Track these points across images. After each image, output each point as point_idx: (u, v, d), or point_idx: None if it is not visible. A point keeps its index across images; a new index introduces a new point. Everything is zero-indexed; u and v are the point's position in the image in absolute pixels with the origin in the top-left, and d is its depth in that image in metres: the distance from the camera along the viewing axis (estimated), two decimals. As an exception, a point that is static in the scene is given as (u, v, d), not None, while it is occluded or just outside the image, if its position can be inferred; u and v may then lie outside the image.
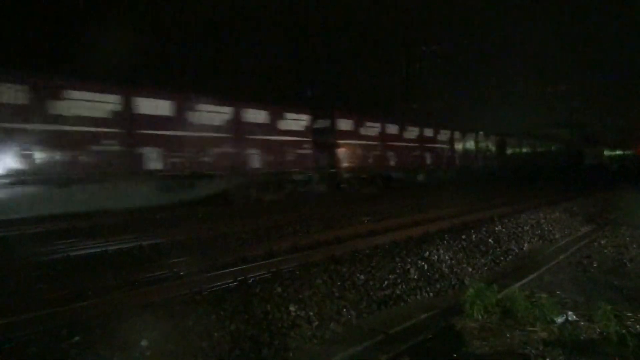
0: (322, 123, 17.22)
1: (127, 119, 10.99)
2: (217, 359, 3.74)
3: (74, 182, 9.95)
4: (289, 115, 15.63)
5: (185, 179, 12.08)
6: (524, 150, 34.37)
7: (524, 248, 8.44)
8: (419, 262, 6.52)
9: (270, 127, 14.82)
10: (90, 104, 10.34)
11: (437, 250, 7.08)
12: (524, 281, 6.05)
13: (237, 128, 13.66)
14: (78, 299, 4.72)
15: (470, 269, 6.80)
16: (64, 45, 22.64)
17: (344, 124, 17.92)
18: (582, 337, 3.98)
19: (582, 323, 4.25)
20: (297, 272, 5.90)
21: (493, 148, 29.53)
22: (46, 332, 3.93)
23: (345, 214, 11.34)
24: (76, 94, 10.12)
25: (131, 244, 7.75)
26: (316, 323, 4.46)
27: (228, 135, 13.35)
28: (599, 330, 4.06)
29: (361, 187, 18.36)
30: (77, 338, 3.79)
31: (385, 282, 5.67)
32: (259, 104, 14.72)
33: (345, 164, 17.58)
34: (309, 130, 16.27)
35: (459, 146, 25.87)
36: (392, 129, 20.71)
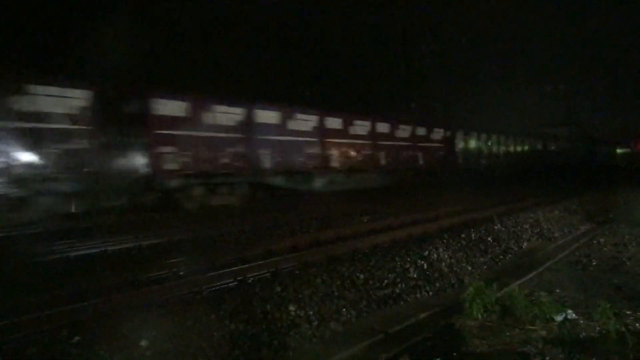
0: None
1: (248, 126, 13.50)
2: (217, 359, 3.75)
3: (217, 176, 12.48)
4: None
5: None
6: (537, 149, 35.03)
7: (524, 247, 8.45)
8: (419, 261, 6.53)
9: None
10: (227, 116, 13.09)
11: (437, 249, 7.09)
12: (523, 280, 6.06)
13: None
14: (78, 299, 4.71)
15: (469, 268, 6.81)
16: (63, 44, 22.63)
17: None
18: (581, 335, 3.98)
19: (582, 321, 4.26)
20: (297, 272, 5.90)
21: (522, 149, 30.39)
22: (46, 333, 3.93)
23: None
24: (220, 108, 12.81)
25: (130, 244, 7.74)
26: (316, 322, 4.47)
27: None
28: (598, 328, 4.07)
29: None
30: (77, 338, 3.79)
31: (385, 281, 5.67)
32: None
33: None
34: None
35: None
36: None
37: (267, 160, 14.19)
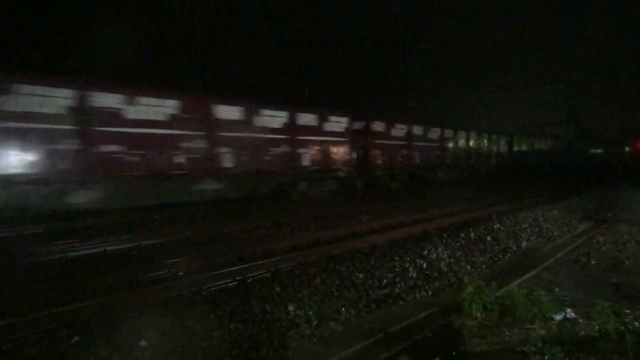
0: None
1: (290, 128, 14.53)
2: (217, 358, 3.75)
3: (261, 172, 13.62)
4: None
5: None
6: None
7: (523, 246, 8.46)
8: (418, 260, 6.53)
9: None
10: (271, 119, 14.05)
11: (436, 248, 7.09)
12: (522, 279, 6.07)
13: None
14: (77, 300, 4.71)
15: (468, 267, 6.81)
16: (62, 44, 22.58)
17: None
18: (580, 334, 3.99)
19: (581, 320, 4.27)
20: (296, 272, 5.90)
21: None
22: (46, 333, 3.93)
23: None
24: (266, 112, 13.79)
25: (130, 244, 7.74)
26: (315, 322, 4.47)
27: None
28: (597, 327, 4.07)
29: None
30: (76, 338, 3.79)
31: (384, 281, 5.68)
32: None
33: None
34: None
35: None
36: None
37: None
